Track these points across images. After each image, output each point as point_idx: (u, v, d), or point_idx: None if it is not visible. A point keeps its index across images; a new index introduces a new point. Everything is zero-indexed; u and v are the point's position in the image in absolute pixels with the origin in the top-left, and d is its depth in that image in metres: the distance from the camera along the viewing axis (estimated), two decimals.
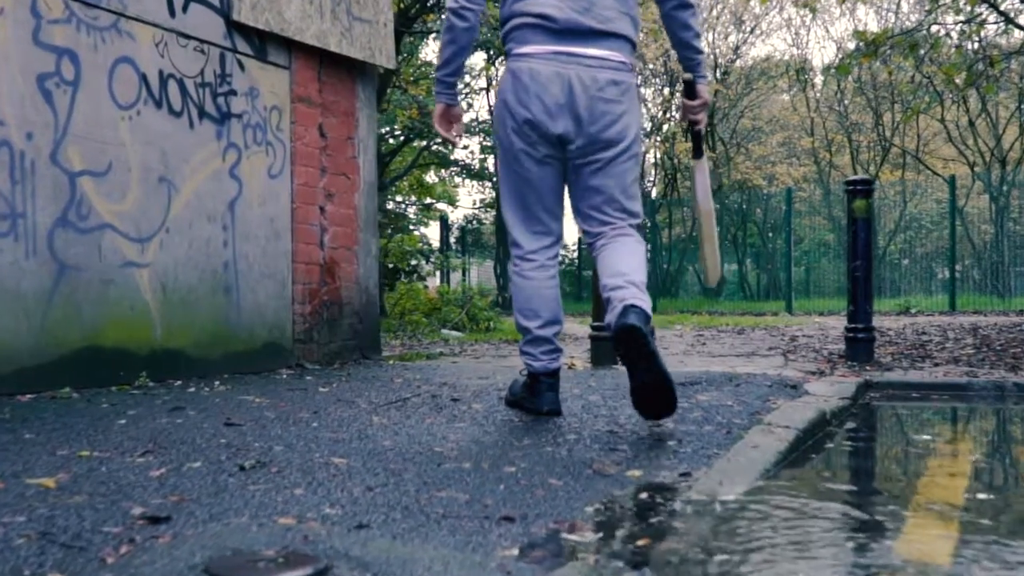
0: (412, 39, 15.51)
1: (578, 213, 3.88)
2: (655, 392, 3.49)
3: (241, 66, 5.63)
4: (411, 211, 30.89)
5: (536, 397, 3.94)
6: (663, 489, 2.76)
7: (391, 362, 6.64)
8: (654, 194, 30.64)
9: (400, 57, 19.79)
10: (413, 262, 18.01)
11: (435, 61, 4.20)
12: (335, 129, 6.35)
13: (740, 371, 5.77)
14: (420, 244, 20.34)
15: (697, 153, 4.13)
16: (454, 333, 11.28)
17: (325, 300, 6.22)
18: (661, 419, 3.65)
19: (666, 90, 28.42)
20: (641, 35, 22.76)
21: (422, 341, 10.50)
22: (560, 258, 4.17)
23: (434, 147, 24.21)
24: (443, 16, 4.21)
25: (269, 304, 5.80)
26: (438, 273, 20.98)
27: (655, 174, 31.23)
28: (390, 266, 15.80)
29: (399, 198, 29.28)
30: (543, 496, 2.61)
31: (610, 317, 3.51)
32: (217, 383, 5.07)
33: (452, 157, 27.48)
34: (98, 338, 4.78)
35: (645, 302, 3.51)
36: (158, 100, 5.12)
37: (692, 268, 28.20)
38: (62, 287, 4.60)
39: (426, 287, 17.40)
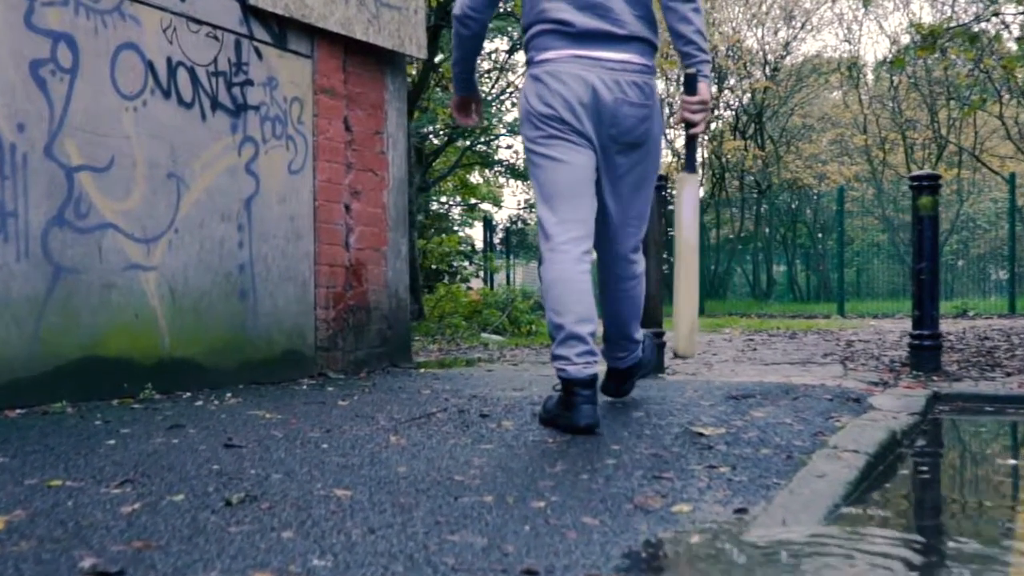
0: (451, 32, 15.10)
1: (598, 231, 3.89)
2: None
3: (259, 54, 5.26)
4: (455, 212, 30.56)
5: (571, 411, 3.58)
6: (716, 530, 2.34)
7: (422, 370, 6.25)
8: (701, 193, 30.12)
9: (441, 54, 19.44)
10: (455, 263, 17.67)
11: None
12: (362, 122, 5.96)
13: (796, 382, 5.31)
14: (462, 245, 19.99)
15: (689, 166, 3.91)
16: (494, 337, 10.88)
17: (351, 305, 5.83)
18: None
19: (713, 88, 27.83)
20: None
21: (460, 345, 10.11)
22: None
23: (478, 147, 23.82)
24: None
25: (289, 309, 5.42)
26: (481, 274, 20.59)
27: (702, 174, 30.69)
28: (433, 267, 15.45)
29: (443, 199, 28.94)
30: (575, 540, 2.20)
31: (607, 358, 4.16)
32: (229, 395, 4.70)
33: (496, 157, 27.09)
34: (98, 347, 4.41)
35: (631, 356, 4.18)
36: (166, 90, 4.75)
37: (740, 269, 27.69)
38: (58, 292, 4.24)
39: (469, 289, 17.06)
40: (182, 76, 4.83)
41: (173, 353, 4.75)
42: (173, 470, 2.93)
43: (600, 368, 3.70)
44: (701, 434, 3.57)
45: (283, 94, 5.41)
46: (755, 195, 28.57)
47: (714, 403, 4.34)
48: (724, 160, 28.42)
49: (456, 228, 27.68)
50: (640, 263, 4.02)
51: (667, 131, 28.97)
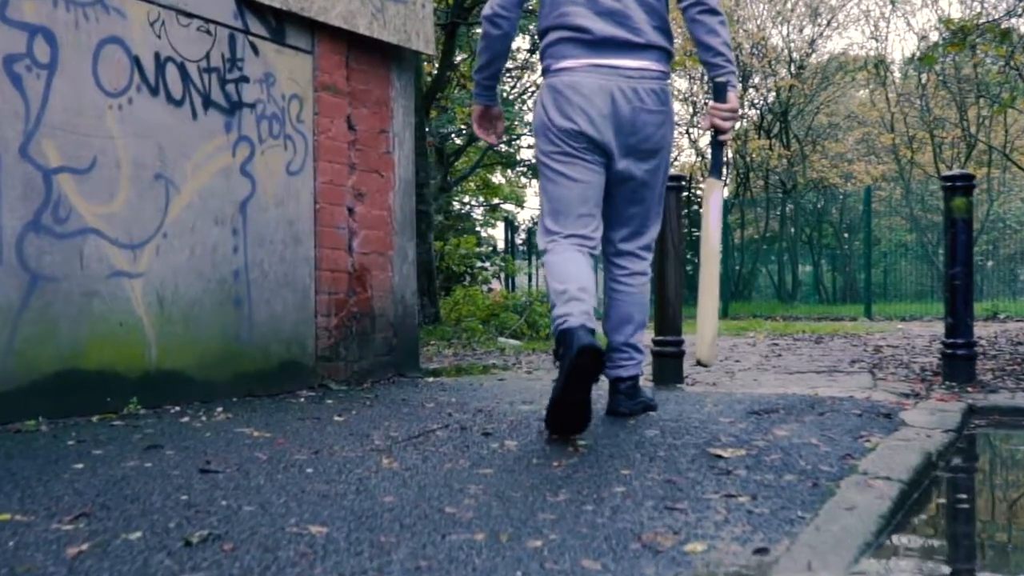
0: (470, 31, 14.86)
1: (611, 224, 3.95)
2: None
3: (255, 49, 5.00)
4: (478, 212, 30.35)
5: (568, 348, 3.35)
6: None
7: (430, 380, 5.98)
8: (726, 193, 29.80)
9: (462, 53, 19.19)
10: (479, 264, 17.42)
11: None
12: (365, 121, 5.69)
13: (823, 394, 5.02)
14: (482, 246, 19.73)
15: (716, 172, 3.97)
16: (511, 342, 10.60)
17: (354, 312, 5.57)
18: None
19: (738, 86, 27.50)
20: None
21: (476, 350, 9.85)
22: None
23: (500, 147, 23.58)
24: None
25: (287, 317, 5.16)
26: (502, 276, 20.32)
27: (726, 173, 30.35)
28: (454, 269, 15.20)
29: (466, 199, 28.74)
30: None
31: (604, 371, 3.83)
32: (219, 410, 4.44)
33: (518, 157, 26.84)
34: (79, 360, 4.16)
35: (635, 365, 4.08)
36: (154, 87, 4.49)
37: (765, 270, 27.34)
38: (34, 301, 3.98)
39: (490, 290, 16.81)
40: (171, 72, 4.57)
41: (161, 365, 4.49)
42: (137, 501, 2.67)
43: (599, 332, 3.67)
44: (719, 456, 3.29)
45: (281, 91, 5.15)
46: (780, 195, 28.20)
47: (734, 419, 4.05)
48: (749, 159, 28.06)
49: (478, 228, 27.47)
50: (646, 262, 4.04)
51: (691, 130, 28.68)
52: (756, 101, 28.65)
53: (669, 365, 5.65)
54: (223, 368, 4.79)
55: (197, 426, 3.97)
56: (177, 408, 4.48)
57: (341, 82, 5.51)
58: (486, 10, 3.85)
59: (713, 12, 3.73)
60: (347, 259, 5.52)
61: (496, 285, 18.47)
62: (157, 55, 4.51)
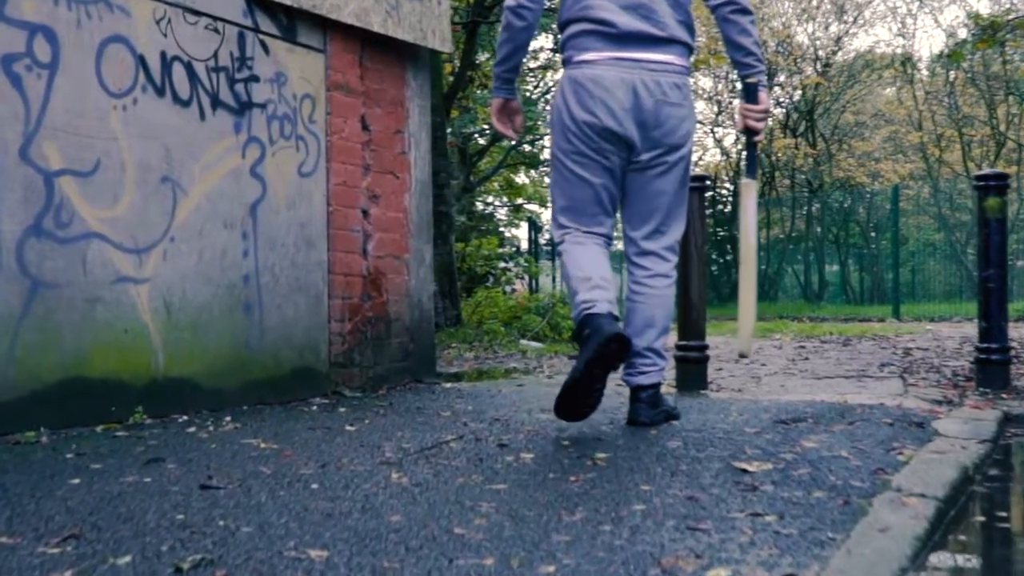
0: (491, 30, 14.72)
1: (631, 220, 3.90)
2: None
3: (265, 48, 4.86)
4: (501, 213, 30.19)
5: (595, 332, 3.47)
6: None
7: (447, 386, 5.84)
8: None
9: (484, 53, 19.04)
10: (501, 265, 17.28)
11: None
12: (380, 121, 5.56)
13: (852, 401, 4.85)
14: (506, 247, 19.58)
15: (751, 172, 3.99)
16: (533, 344, 10.45)
17: (369, 317, 5.43)
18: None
19: (767, 82, 27.23)
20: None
21: (497, 353, 9.70)
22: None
23: (523, 147, 23.41)
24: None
25: (299, 323, 5.03)
26: (526, 277, 20.16)
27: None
28: (478, 270, 15.06)
29: (489, 199, 28.60)
30: None
31: (626, 377, 3.92)
32: (228, 419, 4.31)
33: (542, 157, 26.68)
34: (82, 368, 4.03)
35: (658, 372, 3.93)
36: (160, 87, 4.37)
37: (791, 269, 27.07)
38: (36, 308, 3.86)
39: (513, 291, 16.66)
40: (178, 72, 4.44)
41: (168, 372, 4.36)
42: (131, 520, 2.53)
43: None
44: (745, 470, 3.14)
45: (293, 91, 5.02)
46: (806, 194, 27.93)
47: (760, 430, 3.89)
48: (774, 159, 27.80)
49: (501, 229, 27.32)
50: (671, 263, 3.95)
51: (715, 130, 28.45)
52: (782, 99, 28.37)
53: (693, 371, 5.49)
54: (233, 376, 4.66)
55: (203, 437, 3.84)
56: (185, 417, 4.35)
57: (355, 81, 5.37)
58: (509, 1, 3.79)
59: (745, 11, 3.73)
60: (361, 262, 5.39)
61: (520, 286, 18.32)
62: (163, 54, 4.39)
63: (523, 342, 10.67)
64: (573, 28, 3.74)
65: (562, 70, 3.91)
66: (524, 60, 4.00)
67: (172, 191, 4.39)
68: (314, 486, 2.95)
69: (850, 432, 3.84)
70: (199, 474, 3.12)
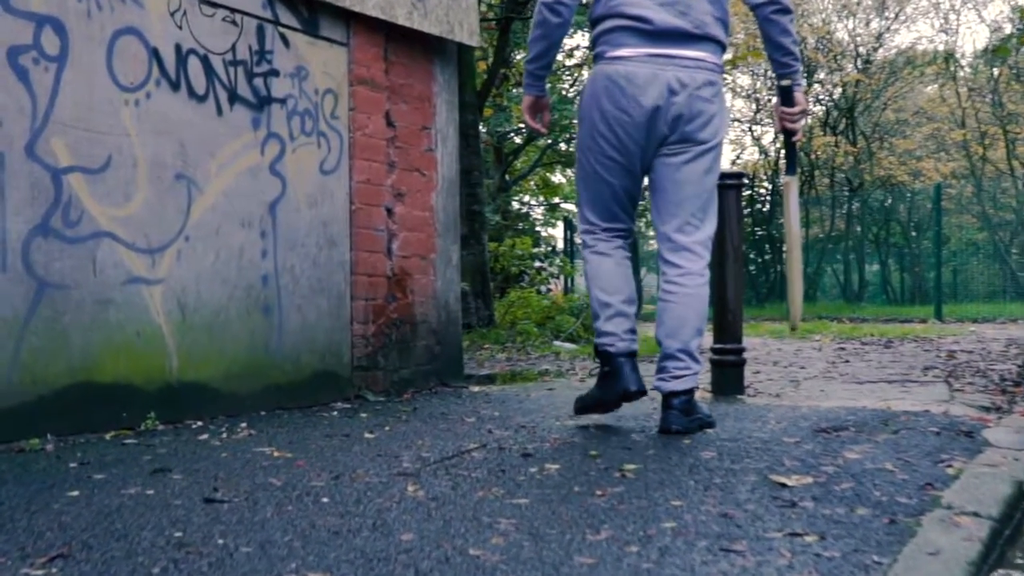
0: (525, 27, 14.53)
1: (660, 213, 3.83)
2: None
3: (285, 41, 4.71)
4: (537, 212, 30.03)
5: (618, 380, 3.80)
6: None
7: (475, 389, 5.67)
8: None
9: (521, 52, 18.87)
10: (537, 264, 17.10)
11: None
12: (406, 117, 5.39)
13: (896, 408, 4.63)
14: (541, 247, 19.41)
15: (791, 169, 4.09)
16: (567, 346, 10.25)
17: (393, 318, 5.27)
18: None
19: (802, 82, 26.90)
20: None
21: (530, 355, 9.52)
22: None
23: (559, 146, 23.23)
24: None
25: (321, 325, 4.87)
26: (561, 277, 19.96)
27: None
28: (514, 270, 14.89)
29: (526, 198, 28.45)
30: None
31: (657, 383, 3.80)
32: (243, 425, 4.15)
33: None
34: (91, 372, 3.89)
35: (692, 377, 3.79)
36: (174, 81, 4.22)
37: (831, 269, 26.73)
38: (43, 310, 3.72)
39: (549, 291, 16.47)
40: (193, 65, 4.30)
41: (182, 376, 4.22)
42: (125, 538, 2.38)
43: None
44: (783, 484, 2.94)
45: (314, 86, 4.86)
46: (846, 193, 27.56)
47: (800, 439, 3.69)
48: (814, 157, 27.44)
49: (538, 229, 27.16)
50: (705, 261, 3.86)
51: (752, 128, 28.14)
52: (821, 97, 28.00)
53: (729, 375, 5.29)
54: (251, 380, 4.51)
55: (215, 445, 3.69)
56: (199, 423, 4.20)
57: (379, 76, 5.21)
58: None
59: (786, 11, 3.73)
60: (386, 263, 5.22)
61: (555, 286, 18.14)
62: (178, 47, 4.24)
63: (556, 343, 10.49)
64: (606, 24, 3.70)
65: (592, 57, 3.87)
66: (559, 57, 3.91)
67: (187, 189, 4.25)
68: (324, 500, 2.78)
69: (895, 442, 3.63)
70: (205, 486, 2.96)
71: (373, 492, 2.87)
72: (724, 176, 5.26)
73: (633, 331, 3.83)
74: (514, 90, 18.48)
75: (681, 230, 3.80)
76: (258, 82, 4.57)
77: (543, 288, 15.69)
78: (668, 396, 3.79)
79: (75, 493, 2.86)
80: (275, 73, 4.66)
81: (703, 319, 3.81)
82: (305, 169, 4.79)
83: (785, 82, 3.83)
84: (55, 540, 2.36)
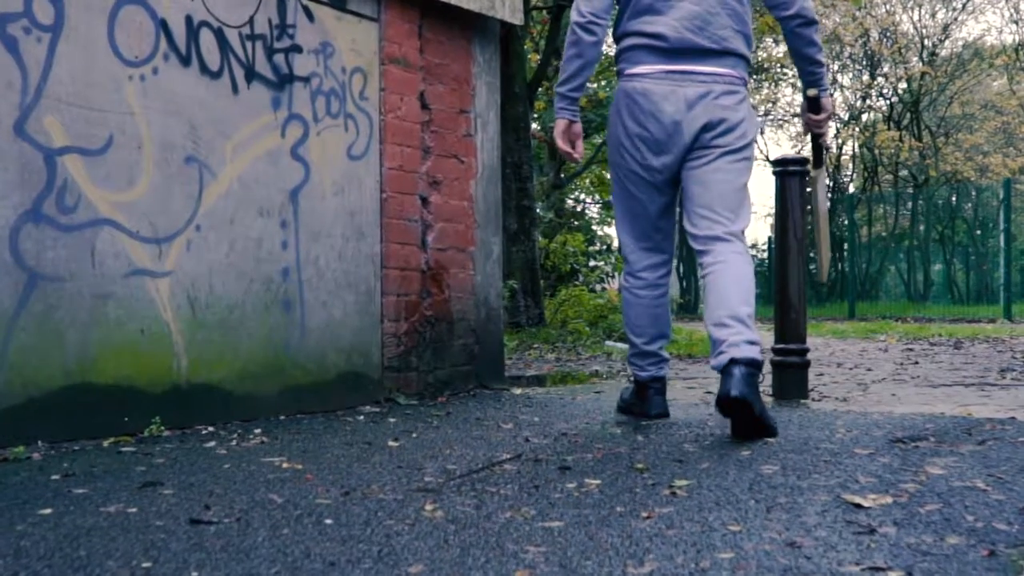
0: None
1: (689, 216, 3.77)
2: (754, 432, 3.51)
3: (309, 15, 4.35)
4: (593, 210, 29.65)
5: (644, 403, 4.06)
6: None
7: (516, 392, 5.29)
8: (851, 188, 28.55)
9: (560, 36, 18.43)
10: (591, 263, 16.73)
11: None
12: (442, 99, 5.02)
13: (977, 414, 4.19)
14: (596, 244, 19.02)
15: (818, 163, 4.29)
16: (619, 346, 9.85)
17: (428, 316, 4.89)
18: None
19: (865, 76, 26.27)
20: (836, 17, 20.96)
21: (580, 355, 9.15)
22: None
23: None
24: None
25: (347, 322, 4.50)
26: (616, 275, 19.53)
27: (852, 167, 29.08)
28: (561, 267, 14.53)
29: (581, 196, 28.06)
30: None
31: (714, 363, 3.52)
32: (258, 431, 3.80)
33: None
34: (89, 373, 3.55)
35: (751, 346, 3.46)
36: (184, 55, 3.88)
37: (894, 268, 26.07)
38: (34, 304, 3.38)
39: (604, 290, 16.11)
40: (206, 39, 3.95)
41: (192, 378, 3.87)
42: (86, 568, 2.03)
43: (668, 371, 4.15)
44: (859, 505, 2.53)
45: (341, 64, 4.50)
46: (909, 190, 26.84)
47: (874, 450, 3.27)
48: (877, 152, 26.75)
49: (594, 227, 26.78)
50: (743, 243, 3.74)
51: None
52: (885, 91, 27.30)
53: (792, 377, 4.87)
54: (269, 381, 4.16)
55: (220, 454, 3.34)
56: (210, 428, 3.86)
57: (413, 54, 4.84)
58: (577, 17, 3.72)
59: (811, 23, 3.76)
60: (420, 255, 4.85)
61: (611, 284, 17.75)
62: (189, 19, 3.89)
63: (609, 343, 10.10)
64: (627, 42, 3.74)
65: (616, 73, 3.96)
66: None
67: (198, 173, 3.90)
68: (327, 521, 2.41)
69: (982, 455, 3.19)
70: (196, 503, 2.61)
71: (385, 512, 2.50)
72: (787, 161, 4.90)
73: (659, 361, 4.02)
74: None
75: (711, 228, 3.70)
76: (279, 58, 4.22)
77: (597, 287, 15.32)
78: (727, 367, 3.43)
79: (47, 511, 2.51)
80: (298, 49, 4.30)
81: (750, 291, 3.60)
82: (331, 154, 4.43)
83: (812, 91, 3.88)
84: (4, 570, 2.01)
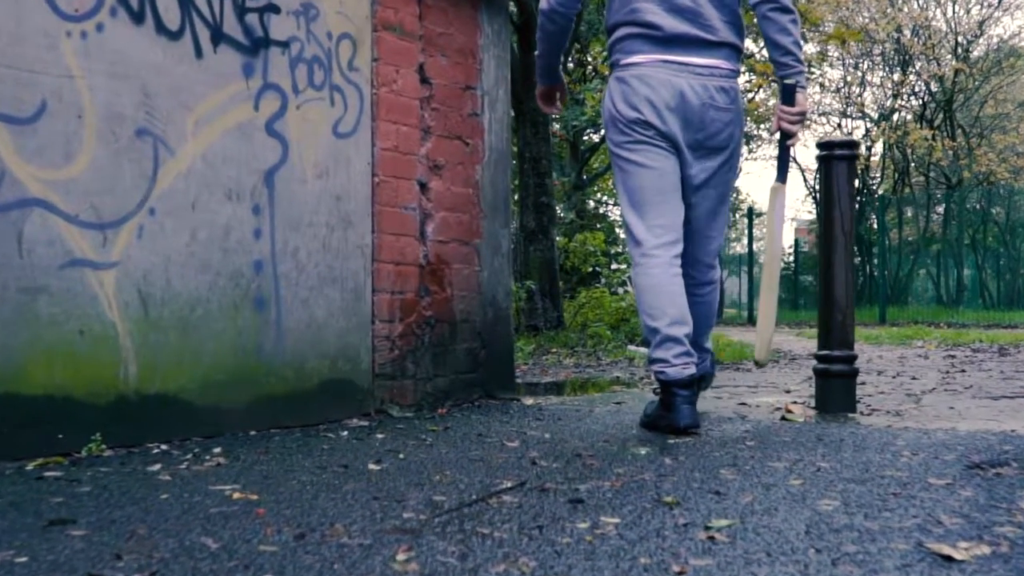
0: (599, 8, 13.56)
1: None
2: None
3: None
4: (615, 212, 29.11)
5: (672, 412, 3.63)
6: None
7: (529, 402, 4.73)
8: (881, 190, 27.88)
9: (593, 46, 17.92)
10: (613, 267, 16.24)
11: None
12: (445, 73, 4.46)
13: None
14: (617, 245, 18.49)
15: (781, 176, 3.93)
16: (641, 350, 9.28)
17: (426, 316, 4.33)
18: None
19: (896, 74, 25.61)
20: (866, 14, 20.37)
21: (601, 360, 8.61)
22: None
23: None
24: None
25: (331, 323, 3.95)
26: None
27: (881, 168, 28.41)
28: (582, 268, 14.00)
29: (603, 198, 27.52)
30: None
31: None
32: (217, 450, 3.24)
33: None
34: (12, 382, 2.99)
35: (700, 365, 3.91)
36: (136, 11, 3.33)
37: (925, 272, 25.43)
38: None
39: (626, 292, 15.59)
40: None
41: (143, 388, 3.31)
42: None
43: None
44: (950, 558, 1.96)
45: (326, 28, 3.95)
46: (943, 191, 26.14)
47: (951, 480, 2.70)
48: (910, 152, 26.05)
49: (617, 230, 26.27)
50: (716, 270, 4.05)
51: (842, 123, 27.00)
52: (917, 89, 26.61)
53: (837, 387, 4.30)
54: (237, 391, 3.60)
55: (163, 480, 2.78)
56: (163, 447, 3.30)
57: (411, 21, 4.29)
58: (543, 4, 3.85)
59: (785, 10, 3.66)
60: (418, 248, 4.30)
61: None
62: None
63: (631, 347, 9.55)
64: (620, 32, 3.76)
65: (609, 65, 3.90)
66: None
67: (153, 148, 3.35)
68: None
69: None
70: (107, 548, 2.05)
71: (344, 564, 1.95)
72: (834, 145, 4.39)
73: (686, 353, 3.66)
74: (591, 82, 17.53)
75: (698, 246, 3.96)
76: (251, 19, 3.67)
77: (619, 289, 14.80)
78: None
79: None
80: (274, 9, 3.76)
81: (713, 317, 4.09)
82: (313, 130, 3.88)
83: (789, 80, 3.73)
84: None
